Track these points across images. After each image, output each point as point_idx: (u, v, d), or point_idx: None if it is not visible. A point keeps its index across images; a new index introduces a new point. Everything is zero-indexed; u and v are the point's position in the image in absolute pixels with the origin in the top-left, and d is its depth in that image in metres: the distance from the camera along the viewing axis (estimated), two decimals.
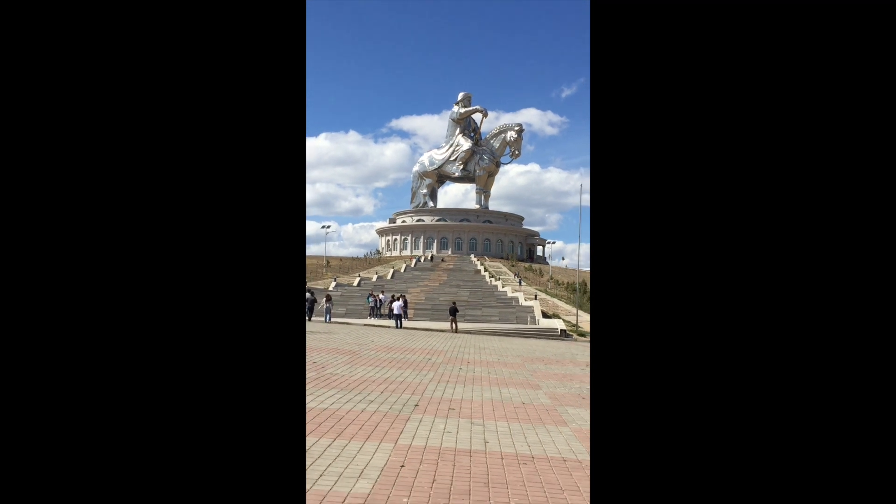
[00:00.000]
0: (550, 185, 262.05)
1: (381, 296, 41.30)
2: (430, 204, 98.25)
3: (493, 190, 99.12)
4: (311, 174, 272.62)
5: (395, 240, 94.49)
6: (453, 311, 33.54)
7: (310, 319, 33.44)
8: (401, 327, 32.37)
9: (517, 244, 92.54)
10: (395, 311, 33.78)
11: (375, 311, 39.74)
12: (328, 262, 68.87)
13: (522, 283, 55.47)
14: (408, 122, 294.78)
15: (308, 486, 5.12)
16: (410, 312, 38.75)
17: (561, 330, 35.47)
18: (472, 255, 79.61)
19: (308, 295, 36.03)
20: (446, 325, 34.63)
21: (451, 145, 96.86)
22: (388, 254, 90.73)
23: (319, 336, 22.12)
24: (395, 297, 36.46)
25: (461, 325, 33.61)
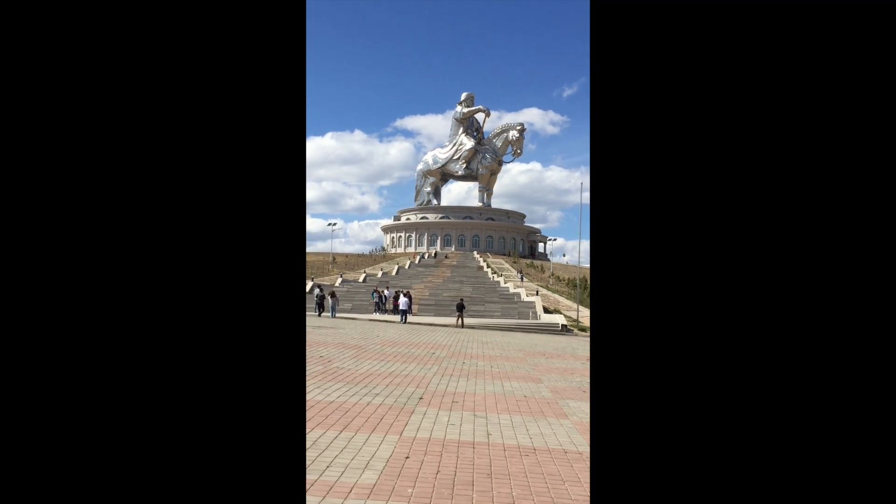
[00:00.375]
0: (552, 183, 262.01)
1: (385, 292, 41.44)
2: (434, 202, 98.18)
3: (496, 188, 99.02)
4: (317, 173, 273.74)
5: (400, 237, 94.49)
6: (460, 307, 33.91)
7: (319, 315, 33.66)
8: (406, 322, 32.53)
9: (519, 241, 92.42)
10: (402, 307, 33.98)
11: (380, 307, 39.90)
12: (334, 258, 69.08)
13: (524, 280, 55.47)
14: (412, 122, 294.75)
15: (315, 477, 5.22)
16: (414, 308, 38.87)
17: (562, 325, 35.58)
18: (475, 252, 79.59)
19: (318, 291, 36.27)
20: (450, 320, 34.80)
21: (454, 144, 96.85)
22: (393, 250, 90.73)
23: (326, 331, 22.21)
24: (403, 293, 36.66)
25: (464, 320, 33.76)
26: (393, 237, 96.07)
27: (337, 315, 34.75)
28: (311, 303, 38.79)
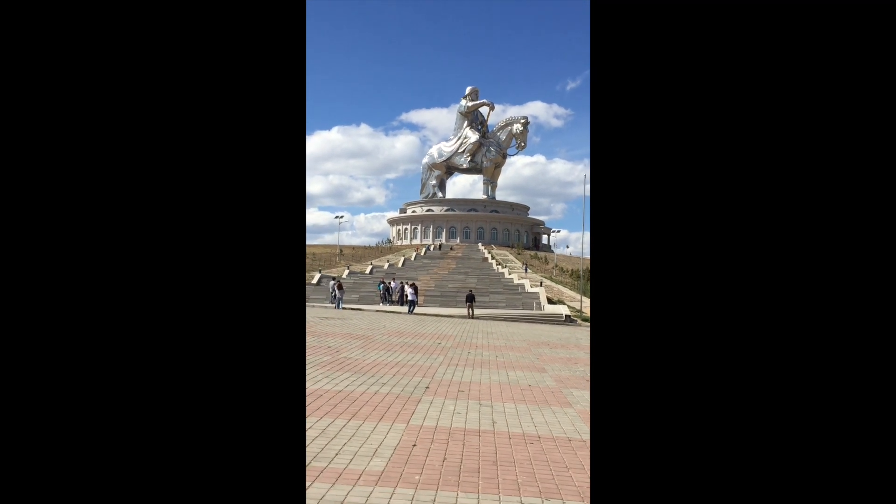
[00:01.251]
0: (555, 175, 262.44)
1: (392, 283, 41.61)
2: (440, 194, 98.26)
3: (500, 181, 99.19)
4: (324, 166, 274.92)
5: (406, 229, 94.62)
6: (470, 298, 34.26)
7: (338, 307, 33.98)
8: (413, 313, 32.69)
9: (523, 233, 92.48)
10: (410, 297, 34.18)
11: (387, 298, 40.08)
12: (341, 250, 69.37)
13: (528, 271, 55.48)
14: (417, 116, 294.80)
15: (324, 465, 5.32)
16: (420, 299, 39.02)
17: (565, 315, 35.64)
18: (480, 244, 79.63)
19: (332, 281, 36.59)
20: (454, 310, 35.07)
21: (459, 138, 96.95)
22: (399, 243, 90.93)
23: (333, 322, 22.25)
24: (409, 284, 36.89)
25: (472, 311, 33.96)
26: (399, 229, 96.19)
27: (343, 306, 34.88)
28: (320, 294, 39.03)
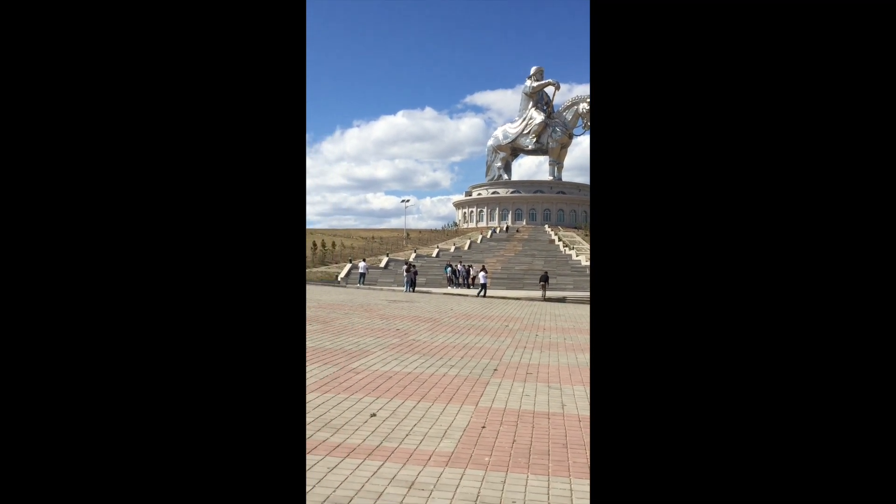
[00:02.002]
0: None
1: (459, 266, 41.87)
2: (505, 177, 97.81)
3: (567, 161, 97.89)
4: (390, 150, 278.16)
5: (472, 212, 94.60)
6: (545, 279, 34.87)
7: (413, 290, 34.78)
8: (485, 296, 32.98)
9: (590, 214, 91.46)
10: (482, 281, 34.64)
11: (454, 281, 40.40)
12: (408, 234, 70.28)
13: None
14: (482, 98, 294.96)
15: (396, 445, 5.43)
16: (488, 281, 39.32)
17: None
18: (546, 226, 79.06)
19: (403, 265, 37.44)
20: (521, 293, 35.12)
21: (524, 119, 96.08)
22: (465, 226, 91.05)
23: (401, 304, 22.55)
24: (481, 268, 37.33)
25: (536, 293, 33.90)
26: (464, 212, 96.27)
27: (414, 289, 35.44)
28: (388, 277, 39.53)
